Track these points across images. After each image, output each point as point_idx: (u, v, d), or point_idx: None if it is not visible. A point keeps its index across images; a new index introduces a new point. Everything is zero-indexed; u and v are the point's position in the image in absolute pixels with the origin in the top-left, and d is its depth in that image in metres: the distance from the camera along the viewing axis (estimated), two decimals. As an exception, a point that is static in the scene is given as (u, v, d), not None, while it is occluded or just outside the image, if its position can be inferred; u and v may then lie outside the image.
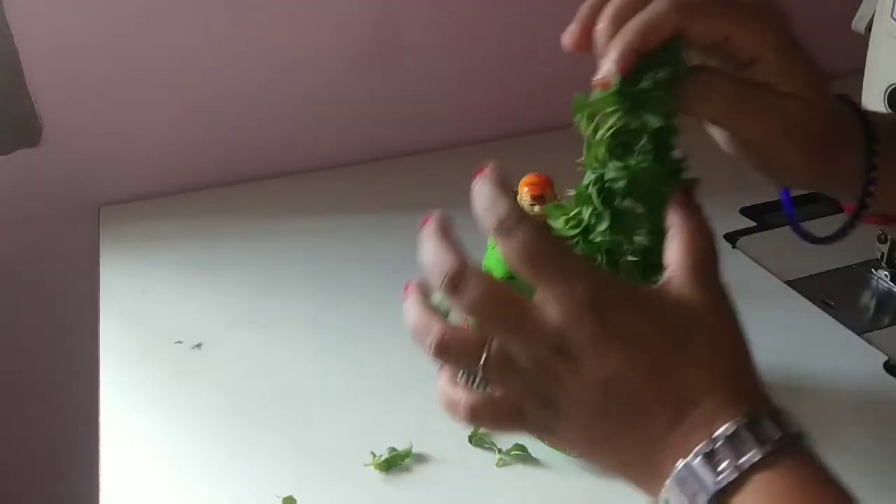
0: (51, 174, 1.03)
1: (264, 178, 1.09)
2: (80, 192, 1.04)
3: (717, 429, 0.40)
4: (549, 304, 0.43)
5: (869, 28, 0.81)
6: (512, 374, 0.44)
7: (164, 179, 1.06)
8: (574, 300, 0.42)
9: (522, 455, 0.65)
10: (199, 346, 0.81)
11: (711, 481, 0.39)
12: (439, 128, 1.14)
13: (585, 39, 0.55)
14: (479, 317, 0.45)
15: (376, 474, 0.65)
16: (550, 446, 0.65)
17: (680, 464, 0.40)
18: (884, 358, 0.76)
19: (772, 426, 0.40)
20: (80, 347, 0.92)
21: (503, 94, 1.16)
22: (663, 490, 0.41)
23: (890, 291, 0.85)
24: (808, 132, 0.52)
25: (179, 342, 0.81)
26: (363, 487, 0.64)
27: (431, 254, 0.48)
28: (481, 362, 0.45)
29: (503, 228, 0.45)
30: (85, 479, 0.75)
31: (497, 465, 0.65)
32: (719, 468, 0.39)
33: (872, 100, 0.79)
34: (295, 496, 0.63)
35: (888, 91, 0.78)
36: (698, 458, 0.40)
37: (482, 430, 0.66)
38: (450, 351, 0.47)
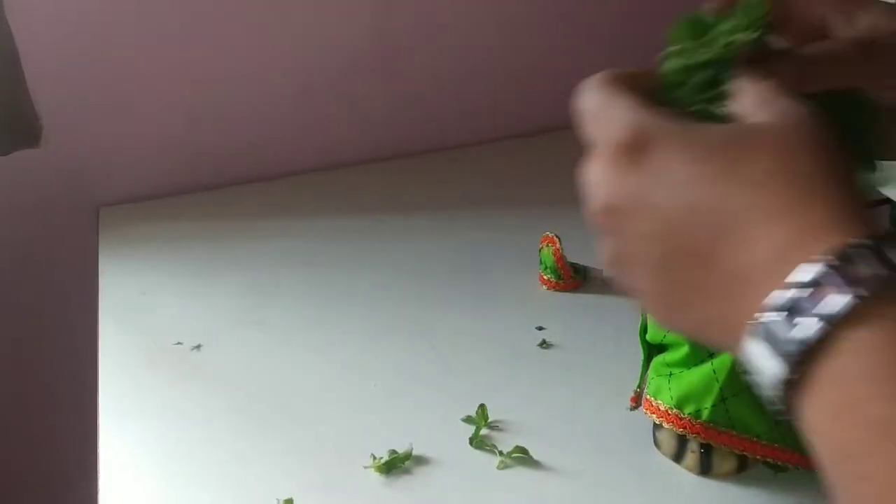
0: (50, 175, 1.02)
1: (263, 179, 1.09)
2: (80, 193, 1.04)
3: (791, 272, 0.32)
4: (594, 158, 0.40)
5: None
6: (597, 235, 0.41)
7: (164, 181, 1.06)
8: (607, 144, 0.39)
9: (523, 457, 0.65)
10: (198, 347, 0.80)
11: (794, 340, 0.32)
12: (438, 129, 1.14)
13: None
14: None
15: (376, 476, 0.65)
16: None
17: (751, 324, 0.33)
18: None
19: (868, 260, 0.32)
20: (80, 348, 0.92)
21: (502, 96, 1.16)
22: (743, 353, 0.34)
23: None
24: None
25: (179, 343, 0.81)
26: (363, 489, 0.64)
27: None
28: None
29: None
30: (84, 480, 0.75)
31: (498, 467, 0.65)
32: (798, 321, 0.32)
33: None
34: (295, 498, 0.63)
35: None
36: (773, 314, 0.32)
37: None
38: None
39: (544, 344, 0.77)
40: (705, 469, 0.62)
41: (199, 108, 1.05)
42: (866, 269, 0.32)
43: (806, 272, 0.32)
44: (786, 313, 0.32)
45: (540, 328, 0.79)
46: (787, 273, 0.33)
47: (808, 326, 0.31)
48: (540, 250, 0.85)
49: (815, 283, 0.32)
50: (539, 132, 1.17)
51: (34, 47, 0.96)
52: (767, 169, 0.36)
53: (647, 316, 0.62)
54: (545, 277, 0.85)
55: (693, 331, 0.39)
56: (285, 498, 0.62)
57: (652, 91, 0.43)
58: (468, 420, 0.69)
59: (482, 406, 0.69)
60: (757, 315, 0.33)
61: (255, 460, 0.67)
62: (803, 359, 0.32)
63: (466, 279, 0.88)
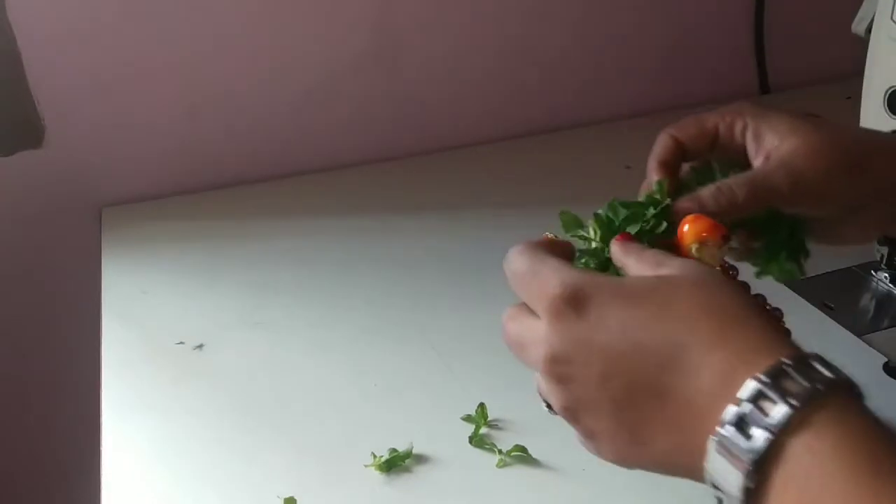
0: (53, 175, 1.03)
1: (265, 179, 1.10)
2: (82, 193, 1.05)
3: (738, 390, 0.37)
4: (529, 316, 0.44)
5: (869, 30, 0.81)
6: (544, 395, 0.46)
7: (166, 181, 1.07)
8: (549, 299, 0.43)
9: (523, 456, 0.65)
10: (200, 346, 0.81)
11: (747, 450, 0.36)
12: (439, 129, 1.15)
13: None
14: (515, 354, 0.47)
15: (377, 475, 0.65)
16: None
17: (713, 439, 0.37)
18: (883, 360, 0.76)
19: (800, 376, 0.36)
20: (82, 348, 0.93)
21: (503, 96, 1.16)
22: (706, 472, 0.38)
23: (890, 293, 0.85)
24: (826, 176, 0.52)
25: (181, 343, 0.81)
26: (364, 488, 0.64)
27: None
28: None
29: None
30: (86, 480, 0.76)
31: (498, 465, 0.65)
32: (751, 433, 0.36)
33: (872, 102, 0.79)
34: (296, 496, 0.63)
35: (888, 93, 0.78)
36: (727, 428, 0.36)
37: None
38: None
39: (544, 343, 0.78)
40: (703, 468, 0.62)
41: (201, 109, 1.05)
42: (799, 382, 0.36)
43: (749, 389, 0.36)
44: (735, 428, 0.36)
45: (539, 328, 0.79)
46: (733, 393, 0.37)
47: (758, 437, 0.35)
48: (539, 250, 0.85)
49: (759, 397, 0.36)
50: (539, 132, 1.18)
51: (36, 48, 0.97)
52: (694, 306, 0.40)
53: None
54: (545, 277, 0.85)
55: (655, 463, 0.43)
56: (287, 496, 0.63)
57: (567, 257, 0.49)
58: (468, 419, 0.69)
59: (482, 405, 0.69)
60: (713, 432, 0.37)
61: (257, 459, 0.68)
62: (758, 468, 0.35)
63: (466, 279, 0.88)
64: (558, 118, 1.18)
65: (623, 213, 0.53)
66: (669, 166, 0.55)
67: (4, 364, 1.10)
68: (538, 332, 0.43)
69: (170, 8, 1.00)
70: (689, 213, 0.51)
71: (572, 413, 0.44)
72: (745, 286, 0.50)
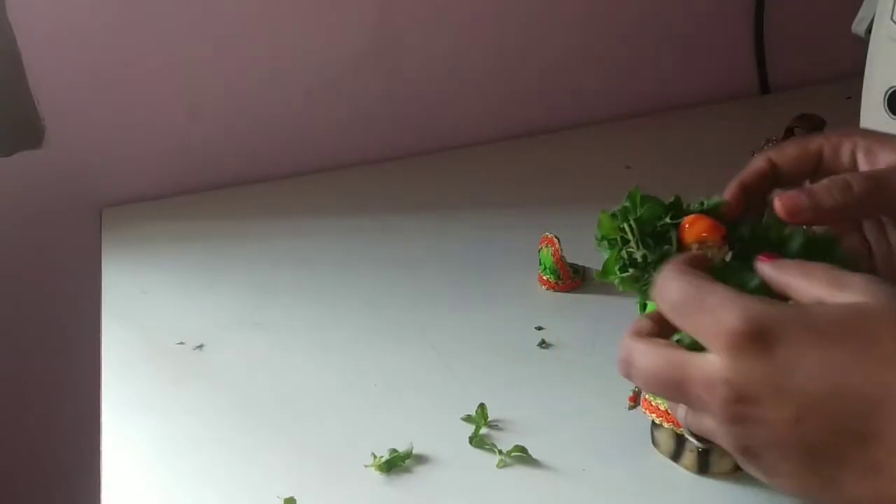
0: (53, 176, 1.03)
1: (265, 179, 1.10)
2: (83, 193, 1.05)
3: None
4: (709, 349, 0.39)
5: (869, 31, 0.81)
6: (709, 432, 0.42)
7: (166, 181, 1.07)
8: (727, 334, 0.38)
9: (523, 456, 0.65)
10: (200, 347, 0.81)
11: None
12: (438, 129, 1.15)
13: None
14: (654, 392, 0.43)
15: (377, 475, 0.65)
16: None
17: None
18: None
19: None
20: (82, 348, 0.93)
21: (503, 96, 1.16)
22: None
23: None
24: None
25: (181, 343, 0.81)
26: (364, 488, 0.64)
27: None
28: (685, 432, 0.44)
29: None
30: (86, 480, 0.76)
31: (498, 466, 0.65)
32: None
33: (873, 102, 0.79)
34: (296, 496, 0.63)
35: (888, 94, 0.78)
36: None
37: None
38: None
39: (543, 344, 0.78)
40: (703, 468, 0.62)
41: (201, 109, 1.06)
42: None
43: None
44: None
45: (539, 328, 0.79)
46: None
47: None
48: (539, 251, 0.86)
49: None
50: (539, 132, 1.18)
51: (37, 48, 0.97)
52: None
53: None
54: (544, 278, 0.85)
55: None
56: (287, 496, 0.63)
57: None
58: (468, 419, 0.69)
59: (482, 405, 0.69)
60: None
61: (257, 459, 0.68)
62: None
63: (466, 279, 0.88)
64: (558, 118, 1.18)
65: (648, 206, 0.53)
66: (748, 191, 0.52)
67: (5, 364, 1.10)
68: (710, 370, 0.39)
69: (170, 8, 1.00)
70: (796, 205, 0.48)
71: (752, 453, 0.40)
72: None
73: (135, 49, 1.01)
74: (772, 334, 0.38)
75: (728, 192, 0.52)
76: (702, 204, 0.55)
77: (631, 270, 0.51)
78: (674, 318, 0.42)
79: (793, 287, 0.42)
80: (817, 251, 0.49)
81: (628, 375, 0.44)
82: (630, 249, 0.52)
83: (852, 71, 0.85)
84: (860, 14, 0.83)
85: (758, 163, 0.53)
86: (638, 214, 0.53)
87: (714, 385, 0.39)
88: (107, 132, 1.03)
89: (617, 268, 0.52)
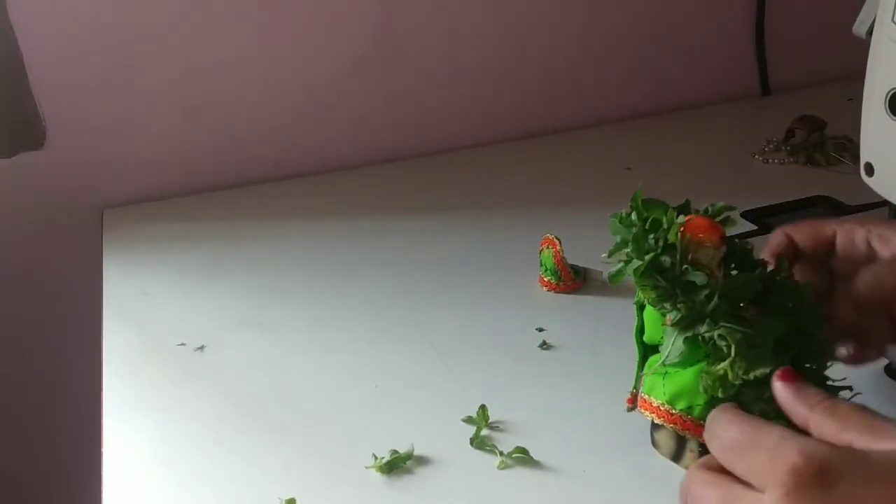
0: (54, 177, 1.03)
1: (266, 180, 1.10)
2: (84, 194, 1.05)
3: None
4: (765, 490, 0.39)
5: (870, 32, 0.81)
6: None
7: (167, 182, 1.07)
8: (786, 473, 0.39)
9: (524, 457, 0.65)
10: (201, 348, 0.81)
11: None
12: (439, 131, 1.15)
13: None
14: None
15: (378, 476, 0.65)
16: None
17: None
18: (885, 362, 0.76)
19: None
20: (83, 349, 0.93)
21: (503, 98, 1.16)
22: None
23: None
24: None
25: (182, 344, 0.81)
26: (364, 489, 0.64)
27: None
28: None
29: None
30: (87, 481, 0.76)
31: (499, 467, 0.65)
32: None
33: (874, 104, 0.79)
34: (297, 497, 0.63)
35: (889, 95, 0.78)
36: None
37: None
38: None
39: (544, 345, 0.78)
40: (704, 469, 0.62)
41: (202, 110, 1.06)
42: None
43: None
44: None
45: (540, 329, 0.79)
46: None
47: None
48: (540, 252, 0.86)
49: None
50: (539, 134, 1.18)
51: (38, 50, 0.97)
52: None
53: (644, 317, 0.62)
54: (545, 279, 0.85)
55: None
56: (287, 497, 0.63)
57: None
58: (469, 420, 0.69)
59: (483, 406, 0.69)
60: None
61: (258, 460, 0.68)
62: None
63: (467, 281, 0.88)
64: (559, 119, 1.19)
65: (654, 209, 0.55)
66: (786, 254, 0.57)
67: (5, 365, 1.10)
68: None
69: (171, 9, 1.00)
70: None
71: None
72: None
73: (136, 50, 1.01)
74: (833, 472, 0.38)
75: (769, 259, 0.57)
76: (707, 211, 0.55)
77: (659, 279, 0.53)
78: (727, 457, 0.42)
79: (824, 431, 0.43)
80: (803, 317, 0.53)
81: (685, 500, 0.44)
82: (658, 255, 0.53)
83: (853, 72, 0.85)
84: (861, 15, 0.83)
85: (779, 237, 0.58)
86: (643, 216, 0.53)
87: None
88: (108, 133, 1.03)
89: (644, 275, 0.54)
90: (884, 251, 0.55)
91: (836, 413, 0.43)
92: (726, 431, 0.42)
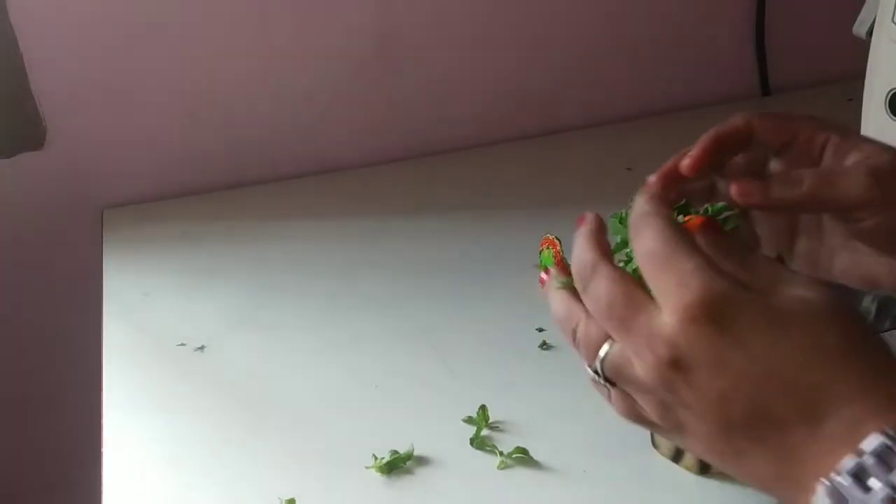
0: (55, 177, 1.03)
1: (267, 181, 1.10)
2: (84, 194, 1.05)
3: (862, 441, 0.36)
4: (664, 308, 0.40)
5: (870, 33, 0.81)
6: (627, 381, 0.43)
7: (168, 182, 1.07)
8: (687, 303, 0.40)
9: (524, 458, 0.66)
10: (201, 348, 0.81)
11: (861, 501, 0.35)
12: (440, 132, 1.15)
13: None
14: (597, 316, 0.44)
15: (378, 476, 0.65)
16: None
17: (824, 483, 0.36)
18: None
19: None
20: (83, 349, 0.93)
21: (504, 98, 1.16)
22: None
23: (890, 296, 0.85)
24: None
25: (182, 344, 0.81)
26: (365, 489, 0.64)
27: (575, 249, 0.46)
28: (598, 362, 0.44)
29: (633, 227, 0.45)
30: (88, 482, 0.76)
31: (499, 467, 0.65)
32: (870, 485, 0.35)
33: (874, 104, 0.79)
34: (297, 498, 0.63)
35: (889, 95, 0.78)
36: (845, 476, 0.36)
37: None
38: (578, 346, 0.46)
39: (545, 345, 0.78)
40: (704, 468, 0.62)
41: (202, 111, 1.06)
42: None
43: (875, 442, 0.36)
44: (854, 479, 0.36)
45: (540, 329, 0.79)
46: (857, 443, 0.36)
47: (877, 491, 0.35)
48: (540, 252, 0.86)
49: (883, 452, 0.35)
50: (540, 134, 1.18)
51: (38, 50, 0.97)
52: (843, 348, 0.39)
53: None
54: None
55: (743, 475, 0.41)
56: (288, 497, 0.63)
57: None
58: (469, 421, 0.69)
59: (483, 407, 0.69)
60: (826, 476, 0.36)
61: (258, 460, 0.68)
62: None
63: (467, 281, 0.88)
64: (559, 120, 1.18)
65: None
66: (720, 145, 0.52)
67: (6, 365, 1.10)
68: (658, 328, 0.40)
69: (171, 9, 1.00)
70: (748, 191, 0.49)
71: (667, 409, 0.42)
72: None
73: (136, 50, 1.01)
74: (727, 314, 0.39)
75: (701, 142, 0.52)
76: (707, 210, 0.55)
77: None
78: (643, 267, 0.42)
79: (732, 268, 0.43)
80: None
81: (582, 283, 0.44)
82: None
83: (853, 73, 0.85)
84: (861, 16, 0.83)
85: (737, 120, 0.53)
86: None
87: (656, 341, 0.40)
88: (108, 134, 1.03)
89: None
90: (831, 163, 0.51)
91: (745, 259, 0.44)
92: (650, 239, 0.43)
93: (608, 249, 0.46)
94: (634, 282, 0.43)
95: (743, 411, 0.39)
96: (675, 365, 0.40)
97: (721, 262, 0.43)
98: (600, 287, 0.43)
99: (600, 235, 0.46)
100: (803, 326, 0.39)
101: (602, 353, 0.44)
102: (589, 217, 0.48)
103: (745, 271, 0.43)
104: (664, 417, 0.42)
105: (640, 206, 0.45)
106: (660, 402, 0.42)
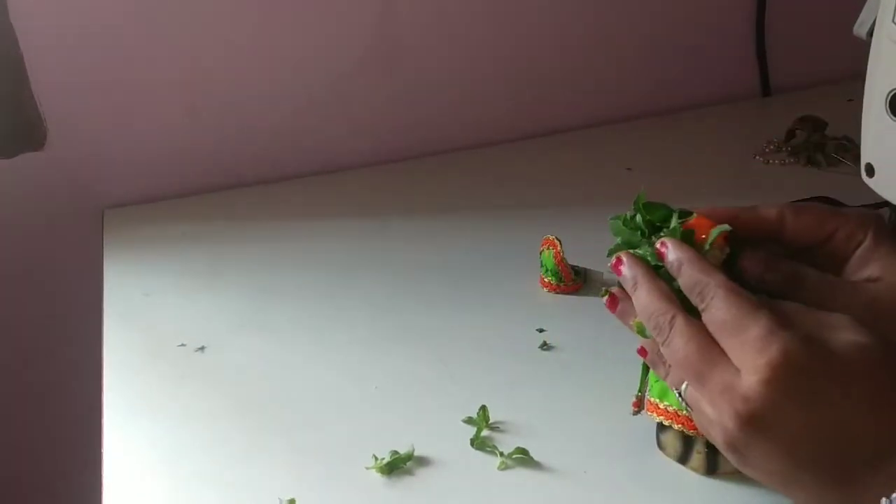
0: (55, 177, 1.03)
1: (268, 181, 1.10)
2: (85, 195, 1.05)
3: None
4: (742, 369, 0.45)
5: (870, 33, 0.81)
6: (700, 416, 0.48)
7: (168, 182, 1.07)
8: (766, 366, 0.44)
9: (524, 458, 0.65)
10: (202, 349, 0.81)
11: None
12: (440, 132, 1.15)
13: None
14: (674, 366, 0.49)
15: (378, 477, 0.65)
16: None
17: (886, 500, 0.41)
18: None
19: None
20: (84, 350, 0.93)
21: (504, 99, 1.16)
22: None
23: None
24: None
25: (182, 345, 0.81)
26: (365, 490, 0.64)
27: (645, 295, 0.52)
28: (679, 390, 0.50)
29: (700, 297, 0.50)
30: (88, 482, 0.76)
31: (499, 468, 0.65)
32: None
33: (874, 104, 0.79)
34: (297, 498, 0.63)
35: (889, 96, 0.78)
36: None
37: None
38: (655, 364, 0.54)
39: (545, 346, 0.78)
40: (711, 469, 0.62)
41: (203, 111, 1.06)
42: None
43: None
44: None
45: (541, 330, 0.79)
46: None
47: None
48: (540, 253, 0.86)
49: None
50: (540, 135, 1.18)
51: (38, 50, 0.97)
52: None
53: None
54: (546, 280, 0.85)
55: (802, 501, 0.46)
56: (288, 498, 0.63)
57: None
58: (469, 421, 0.69)
59: (483, 407, 0.69)
60: (889, 497, 0.41)
61: (258, 461, 0.68)
62: None
63: (467, 282, 0.88)
64: (559, 120, 1.19)
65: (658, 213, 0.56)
66: (742, 224, 0.55)
67: (6, 365, 1.10)
68: (737, 385, 0.45)
69: (172, 10, 1.00)
70: (756, 271, 0.53)
71: (737, 450, 0.46)
72: None
73: (137, 51, 1.01)
74: (802, 370, 0.44)
75: (730, 208, 0.55)
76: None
77: None
78: (714, 331, 0.47)
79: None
80: None
81: (660, 336, 0.49)
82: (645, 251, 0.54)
83: (853, 73, 0.84)
84: (861, 16, 0.83)
85: (771, 212, 0.55)
86: (646, 218, 0.54)
87: (734, 395, 0.45)
88: (109, 134, 1.03)
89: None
90: (852, 271, 0.54)
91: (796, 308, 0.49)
92: (719, 310, 0.47)
93: (675, 299, 0.51)
94: (709, 335, 0.47)
95: (811, 455, 0.43)
96: (750, 422, 0.44)
97: (781, 316, 0.46)
98: (678, 343, 0.48)
99: (663, 284, 0.52)
100: (866, 376, 0.44)
101: (682, 387, 0.50)
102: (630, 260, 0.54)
103: (799, 319, 0.47)
104: (729, 449, 0.47)
105: (696, 277, 0.50)
106: (732, 446, 0.46)
